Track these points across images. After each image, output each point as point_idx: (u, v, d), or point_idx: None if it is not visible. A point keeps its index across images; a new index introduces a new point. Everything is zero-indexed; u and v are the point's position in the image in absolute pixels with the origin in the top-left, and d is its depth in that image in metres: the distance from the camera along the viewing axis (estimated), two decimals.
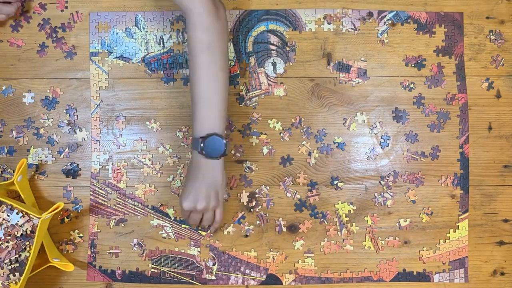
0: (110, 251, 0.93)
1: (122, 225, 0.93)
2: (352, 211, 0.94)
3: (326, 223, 0.94)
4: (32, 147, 0.94)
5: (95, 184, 0.94)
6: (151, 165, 0.94)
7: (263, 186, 0.94)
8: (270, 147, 0.94)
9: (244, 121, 0.94)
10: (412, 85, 0.94)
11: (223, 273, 0.93)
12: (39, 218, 0.82)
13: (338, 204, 0.94)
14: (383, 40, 0.94)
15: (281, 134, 0.94)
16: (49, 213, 0.84)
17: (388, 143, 0.94)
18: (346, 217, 0.93)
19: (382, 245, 0.93)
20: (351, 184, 0.94)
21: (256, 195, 0.94)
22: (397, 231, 0.94)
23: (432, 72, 0.95)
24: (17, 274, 0.84)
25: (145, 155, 0.94)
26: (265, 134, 0.94)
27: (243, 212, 0.94)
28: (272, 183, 0.94)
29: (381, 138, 0.94)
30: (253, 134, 0.94)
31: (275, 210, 0.94)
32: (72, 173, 0.94)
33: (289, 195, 0.94)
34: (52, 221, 0.93)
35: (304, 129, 0.94)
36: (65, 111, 0.95)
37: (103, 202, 0.94)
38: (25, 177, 0.90)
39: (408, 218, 0.93)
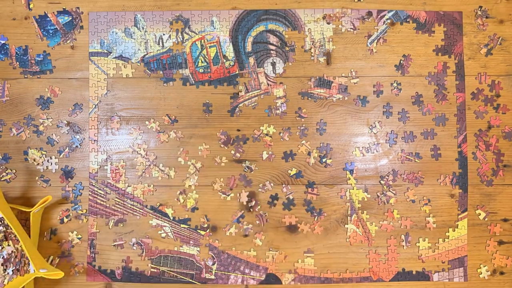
0: (115, 243, 0.93)
1: (121, 225, 0.93)
2: (365, 199, 0.94)
3: (326, 222, 0.94)
4: (29, 148, 0.94)
5: (93, 184, 0.94)
6: (150, 164, 0.94)
7: (268, 182, 0.94)
8: (270, 152, 0.94)
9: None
10: (412, 85, 0.95)
11: (223, 272, 0.93)
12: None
13: (353, 189, 0.94)
14: (372, 50, 0.95)
15: (281, 134, 0.94)
16: (38, 206, 0.86)
17: (396, 141, 0.94)
18: (358, 203, 0.94)
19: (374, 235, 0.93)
20: (350, 183, 0.94)
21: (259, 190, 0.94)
22: (396, 230, 0.94)
23: (436, 70, 0.95)
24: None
25: (144, 155, 0.94)
26: (270, 136, 0.94)
27: (242, 211, 0.94)
28: (272, 183, 0.94)
29: (387, 136, 0.94)
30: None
31: (275, 210, 0.94)
32: (71, 173, 0.94)
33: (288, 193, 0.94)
34: (51, 221, 0.93)
35: (304, 129, 0.94)
36: (64, 111, 0.95)
37: (102, 202, 0.94)
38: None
39: (408, 217, 0.94)
